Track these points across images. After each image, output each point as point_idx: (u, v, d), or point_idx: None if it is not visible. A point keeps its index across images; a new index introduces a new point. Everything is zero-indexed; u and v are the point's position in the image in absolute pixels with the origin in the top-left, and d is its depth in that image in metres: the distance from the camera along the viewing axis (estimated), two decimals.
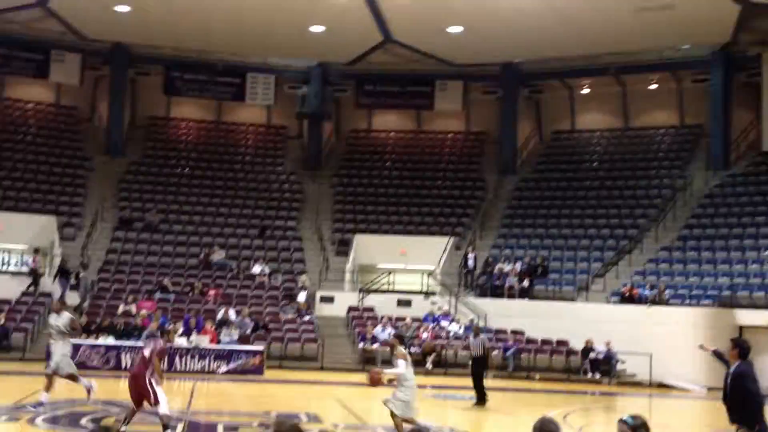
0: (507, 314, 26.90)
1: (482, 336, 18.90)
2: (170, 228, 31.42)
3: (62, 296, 24.28)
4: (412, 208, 33.52)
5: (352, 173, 36.23)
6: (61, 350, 14.26)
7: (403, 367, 11.59)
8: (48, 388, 14.18)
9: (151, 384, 11.45)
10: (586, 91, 36.74)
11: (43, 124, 35.31)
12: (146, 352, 11.72)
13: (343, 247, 31.58)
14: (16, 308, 24.85)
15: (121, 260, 29.23)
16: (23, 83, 35.55)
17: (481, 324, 26.43)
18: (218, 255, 29.80)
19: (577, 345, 25.54)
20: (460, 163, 36.63)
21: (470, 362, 18.69)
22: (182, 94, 37.33)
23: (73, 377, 14.41)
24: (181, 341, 22.65)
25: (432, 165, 36.12)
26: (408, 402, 11.53)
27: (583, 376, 24.91)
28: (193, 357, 22.23)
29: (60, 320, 14.46)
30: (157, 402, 11.36)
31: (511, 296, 27.99)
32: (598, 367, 24.92)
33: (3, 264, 27.97)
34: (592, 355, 25.06)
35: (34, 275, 26.47)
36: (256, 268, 29.25)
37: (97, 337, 22.37)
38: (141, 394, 11.49)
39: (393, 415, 11.48)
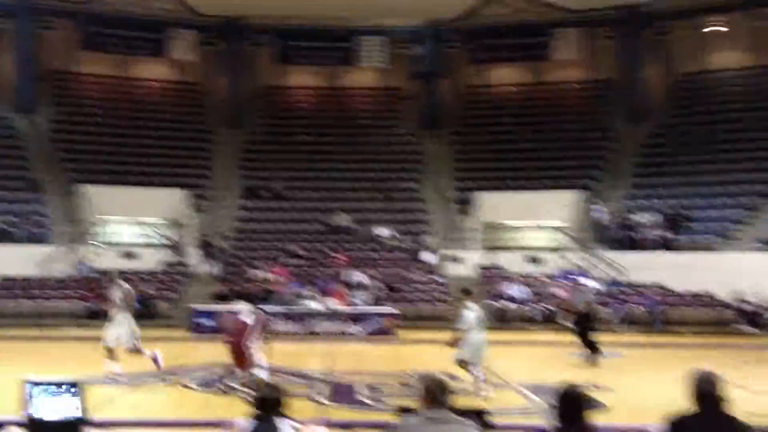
0: (646, 267, 25.78)
1: (584, 291, 17.89)
2: (294, 195, 31.77)
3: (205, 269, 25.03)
4: (536, 163, 32.62)
5: (470, 131, 35.58)
6: (121, 323, 13.94)
7: (468, 320, 12.66)
8: (113, 358, 13.81)
9: (247, 348, 12.03)
10: (716, 28, 34.62)
11: (167, 101, 36.31)
12: (249, 321, 12.29)
13: (467, 206, 31.12)
14: (158, 278, 25.70)
15: (250, 228, 29.79)
16: (145, 62, 36.59)
17: (621, 278, 25.58)
18: (341, 219, 29.94)
19: (723, 297, 24.29)
20: (583, 113, 35.37)
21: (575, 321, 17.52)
22: (296, 63, 37.57)
23: (134, 351, 14.03)
24: (314, 305, 22.89)
25: (553, 117, 34.99)
26: (472, 350, 12.67)
27: (736, 328, 23.64)
28: (327, 320, 22.39)
29: (119, 293, 14.18)
30: (250, 366, 12.00)
31: (648, 248, 26.84)
32: (752, 320, 23.61)
33: (142, 236, 28.94)
34: (743, 306, 23.78)
35: (176, 248, 27.09)
36: (382, 231, 29.22)
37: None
38: (239, 357, 12.13)
39: (462, 364, 12.68)
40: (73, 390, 5.87)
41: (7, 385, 13.12)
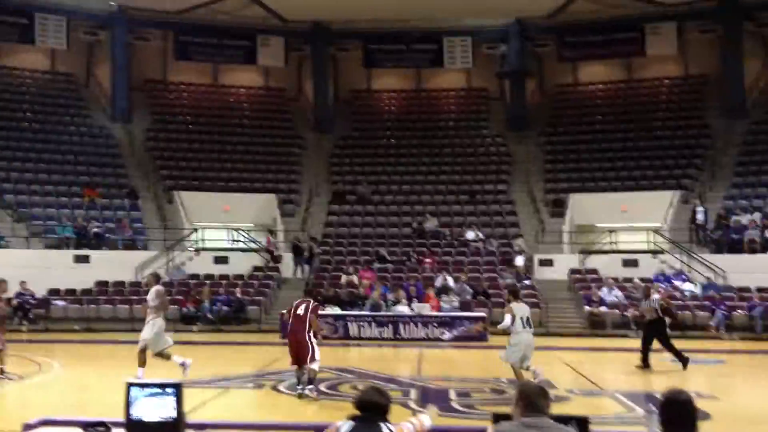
0: (748, 270, 24.62)
1: (654, 296, 16.77)
2: (382, 199, 31.78)
3: (296, 272, 25.28)
4: (629, 163, 31.70)
5: (560, 130, 34.88)
6: (152, 327, 13.48)
7: (509, 321, 12.84)
8: (142, 363, 13.47)
9: (310, 340, 12.27)
10: None
11: (256, 107, 36.92)
12: (300, 312, 12.38)
13: (558, 208, 30.47)
14: (249, 282, 26.06)
15: (338, 233, 29.94)
16: (235, 70, 37.29)
17: (720, 282, 24.54)
18: (430, 223, 29.76)
19: None
20: (679, 110, 34.21)
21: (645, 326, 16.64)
22: (381, 66, 37.63)
23: (163, 355, 13.61)
24: (403, 309, 22.78)
25: (648, 115, 33.91)
26: (515, 351, 12.81)
27: None
28: (416, 325, 22.23)
29: (150, 295, 13.79)
30: (313, 359, 12.17)
31: (752, 251, 25.67)
32: None
33: (234, 242, 29.45)
34: None
35: (271, 254, 27.36)
36: (470, 234, 28.91)
37: (324, 308, 22.92)
38: (300, 351, 12.22)
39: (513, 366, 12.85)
40: (171, 392, 5.98)
41: (108, 387, 13.51)
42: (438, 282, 25.14)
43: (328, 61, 36.77)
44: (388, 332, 22.05)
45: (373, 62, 37.35)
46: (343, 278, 25.75)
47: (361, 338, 21.69)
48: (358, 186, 32.26)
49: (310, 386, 12.17)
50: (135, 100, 35.14)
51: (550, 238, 28.89)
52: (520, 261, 27.03)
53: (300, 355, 12.22)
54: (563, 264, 27.25)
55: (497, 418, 5.31)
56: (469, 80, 38.09)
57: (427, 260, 27.27)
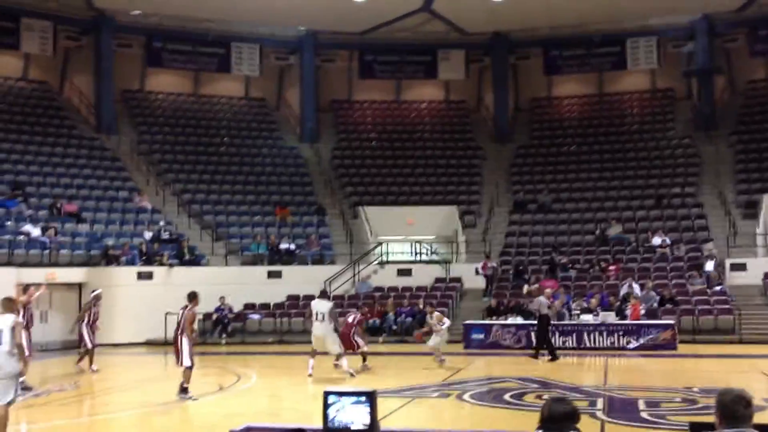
0: None
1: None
2: (563, 207, 31.42)
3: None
4: None
5: (753, 128, 32.98)
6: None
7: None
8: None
9: (355, 339, 17.10)
10: None
11: (436, 121, 37.59)
12: (350, 319, 17.38)
13: (751, 210, 28.85)
14: (431, 294, 26.60)
15: (520, 242, 29.90)
16: (415, 85, 38.18)
17: None
18: (615, 229, 29.09)
19: None
20: None
21: None
22: (562, 72, 37.20)
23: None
24: (587, 318, 22.45)
25: None
26: None
27: None
28: (600, 333, 21.83)
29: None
30: (355, 351, 16.91)
31: None
32: None
33: (417, 254, 30.15)
34: None
35: (488, 279, 26.88)
36: (656, 240, 27.98)
37: (506, 318, 23.05)
38: (348, 345, 16.73)
39: None
40: (365, 399, 6.32)
41: (302, 396, 14.39)
42: (623, 289, 24.55)
43: (508, 71, 36.87)
44: (571, 341, 21.81)
45: (553, 69, 37.02)
46: (524, 288, 25.72)
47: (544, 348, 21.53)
48: (539, 195, 32.08)
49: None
50: (322, 120, 36.82)
51: (742, 241, 27.41)
52: (710, 266, 25.86)
53: (349, 345, 16.94)
54: (757, 268, 25.76)
55: (695, 428, 5.14)
56: (653, 81, 36.88)
57: (611, 268, 26.69)
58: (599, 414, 11.84)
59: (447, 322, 18.64)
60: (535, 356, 19.57)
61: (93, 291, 19.06)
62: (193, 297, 13.95)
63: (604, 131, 35.08)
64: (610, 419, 11.52)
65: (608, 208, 30.82)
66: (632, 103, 36.90)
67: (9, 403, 9.12)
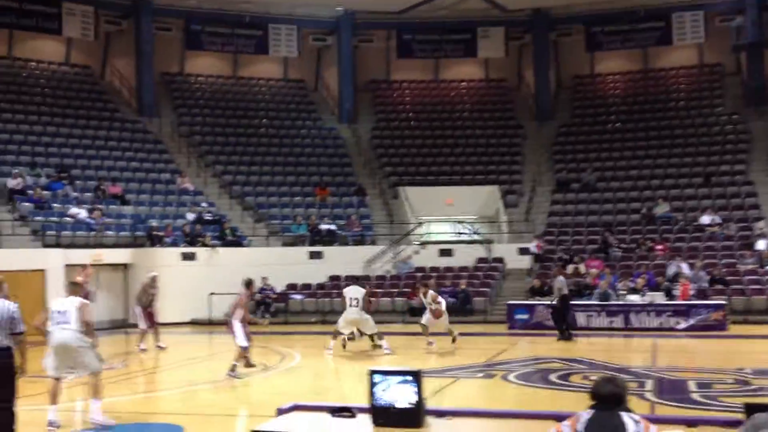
0: None
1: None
2: (608, 185, 30.90)
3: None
4: None
5: None
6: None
7: None
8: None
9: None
10: None
11: (476, 100, 37.18)
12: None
13: None
14: (473, 274, 26.37)
15: (563, 222, 29.49)
16: (454, 64, 37.77)
17: None
18: (661, 208, 28.52)
19: None
20: None
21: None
22: (605, 48, 36.52)
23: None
24: (633, 298, 22.05)
25: None
26: None
27: None
28: (648, 314, 21.43)
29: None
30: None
31: None
32: None
33: (458, 234, 29.92)
34: None
35: (538, 257, 26.72)
36: (705, 218, 27.37)
37: (550, 299, 22.68)
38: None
39: None
40: (412, 379, 6.26)
41: (345, 375, 14.33)
42: (671, 269, 24.05)
43: (549, 48, 36.30)
44: (618, 322, 21.45)
45: (596, 45, 36.36)
46: (569, 268, 25.34)
47: (589, 328, 21.28)
48: (582, 173, 31.58)
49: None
50: (360, 101, 36.65)
51: None
52: (761, 245, 25.21)
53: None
54: None
55: (750, 409, 5.06)
56: (701, 56, 36.00)
57: (659, 247, 26.18)
58: (648, 395, 11.58)
59: (442, 301, 17.87)
60: (567, 337, 19.35)
61: (149, 273, 19.25)
62: (249, 284, 14.81)
63: (649, 108, 34.37)
64: (660, 400, 11.25)
65: (655, 186, 30.23)
66: (678, 79, 36.10)
67: (94, 373, 9.85)
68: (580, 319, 21.60)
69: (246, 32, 35.76)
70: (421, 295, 18.04)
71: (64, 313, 9.73)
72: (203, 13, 34.67)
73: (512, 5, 34.38)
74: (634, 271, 24.40)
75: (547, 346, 18.37)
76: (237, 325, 14.02)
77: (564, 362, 15.29)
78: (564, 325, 19.71)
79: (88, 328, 9.83)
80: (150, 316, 18.31)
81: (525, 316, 22.11)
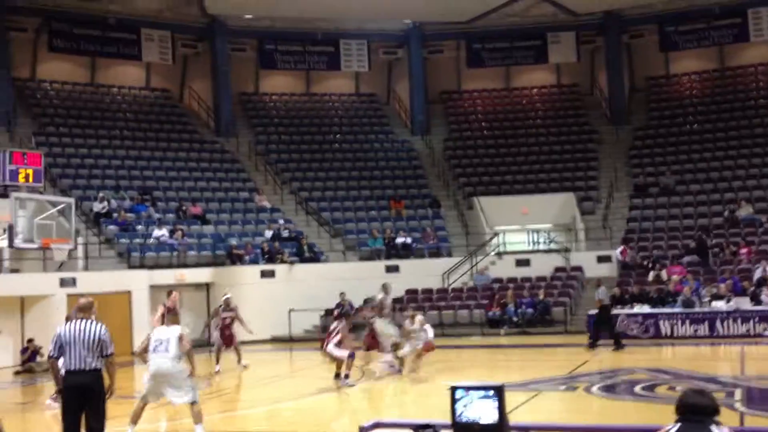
0: None
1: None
2: (687, 188, 30.20)
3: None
4: None
5: None
6: None
7: None
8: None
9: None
10: None
11: (548, 106, 36.84)
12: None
13: None
14: (551, 284, 26.11)
15: (643, 227, 28.94)
16: (525, 71, 37.53)
17: None
18: (745, 210, 27.74)
19: None
20: None
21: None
22: (680, 48, 35.72)
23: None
24: (718, 304, 21.50)
25: None
26: None
27: None
28: (735, 320, 20.87)
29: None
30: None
31: None
32: None
33: (534, 243, 29.67)
34: None
35: (625, 265, 26.26)
36: None
37: (632, 307, 22.36)
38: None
39: None
40: (493, 394, 6.23)
41: (430, 392, 14.39)
42: (757, 273, 23.35)
43: (621, 50, 35.72)
44: (703, 330, 20.96)
45: (670, 45, 35.58)
46: (650, 275, 24.89)
47: (673, 337, 20.86)
48: (660, 177, 30.97)
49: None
50: (432, 112, 36.75)
51: None
52: None
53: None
54: None
55: None
56: None
57: (743, 251, 25.45)
58: (738, 405, 11.33)
59: (430, 329, 16.31)
60: (618, 347, 19.30)
61: (223, 296, 19.56)
62: (347, 316, 16.44)
63: (728, 107, 33.49)
64: (749, 411, 11.00)
65: (737, 188, 29.41)
66: (757, 77, 35.07)
67: (193, 403, 10.22)
68: (664, 327, 21.19)
69: (318, 49, 36.30)
70: (407, 321, 16.38)
71: (164, 341, 10.24)
72: (276, 32, 35.36)
73: (582, 9, 34.01)
74: (718, 276, 23.80)
75: (630, 357, 18.10)
76: (334, 350, 14.93)
77: (648, 373, 15.05)
78: (608, 335, 19.74)
79: (188, 357, 10.33)
80: (228, 338, 18.37)
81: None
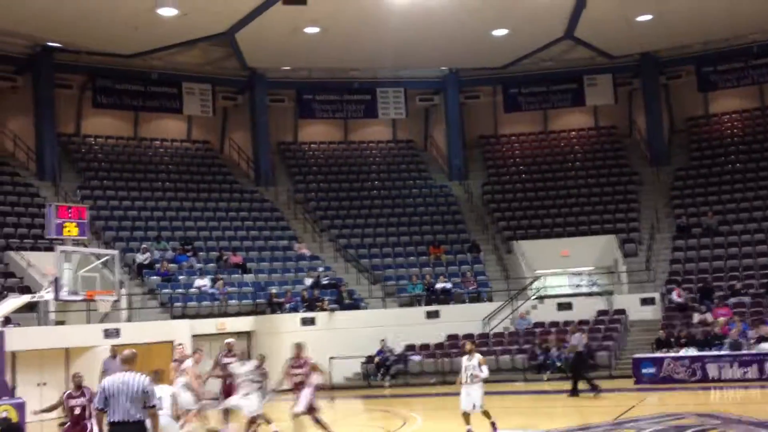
0: None
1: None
2: (731, 229, 29.74)
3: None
4: None
5: None
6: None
7: None
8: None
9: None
10: None
11: (587, 148, 36.71)
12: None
13: None
14: (595, 327, 25.73)
15: (687, 269, 28.50)
16: (562, 114, 37.54)
17: None
18: None
19: None
20: None
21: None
22: (719, 88, 35.43)
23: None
24: (766, 346, 20.99)
25: None
26: None
27: None
28: None
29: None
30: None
31: None
32: None
33: (576, 286, 29.36)
34: None
35: (678, 306, 25.89)
36: None
37: (678, 350, 21.93)
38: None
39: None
40: None
41: None
42: None
43: (659, 91, 35.58)
44: (752, 372, 20.44)
45: (708, 85, 35.32)
46: (696, 317, 24.44)
47: (721, 380, 20.36)
48: (703, 218, 30.56)
49: None
50: (470, 157, 36.84)
51: None
52: None
53: None
54: None
55: None
56: None
57: None
58: None
59: (486, 371, 14.01)
60: (596, 390, 19.26)
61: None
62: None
63: None
64: None
65: None
66: None
67: None
68: (712, 370, 20.72)
69: (355, 98, 36.74)
70: (466, 357, 14.19)
71: (160, 399, 9.96)
72: (314, 82, 35.90)
73: (618, 51, 34.04)
74: (765, 317, 23.28)
75: (679, 401, 17.71)
76: (306, 392, 14.30)
77: (697, 418, 14.70)
78: (584, 380, 19.60)
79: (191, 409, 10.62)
80: (228, 389, 15.79)
81: (652, 370, 21.38)
